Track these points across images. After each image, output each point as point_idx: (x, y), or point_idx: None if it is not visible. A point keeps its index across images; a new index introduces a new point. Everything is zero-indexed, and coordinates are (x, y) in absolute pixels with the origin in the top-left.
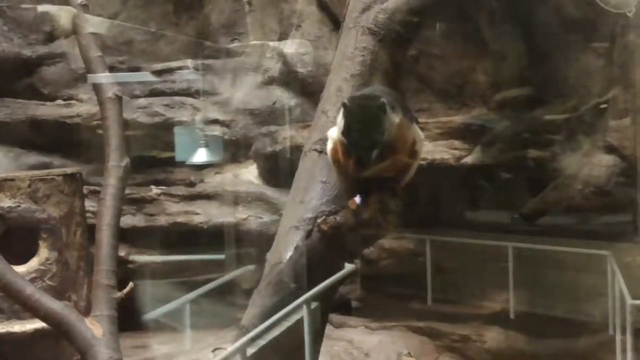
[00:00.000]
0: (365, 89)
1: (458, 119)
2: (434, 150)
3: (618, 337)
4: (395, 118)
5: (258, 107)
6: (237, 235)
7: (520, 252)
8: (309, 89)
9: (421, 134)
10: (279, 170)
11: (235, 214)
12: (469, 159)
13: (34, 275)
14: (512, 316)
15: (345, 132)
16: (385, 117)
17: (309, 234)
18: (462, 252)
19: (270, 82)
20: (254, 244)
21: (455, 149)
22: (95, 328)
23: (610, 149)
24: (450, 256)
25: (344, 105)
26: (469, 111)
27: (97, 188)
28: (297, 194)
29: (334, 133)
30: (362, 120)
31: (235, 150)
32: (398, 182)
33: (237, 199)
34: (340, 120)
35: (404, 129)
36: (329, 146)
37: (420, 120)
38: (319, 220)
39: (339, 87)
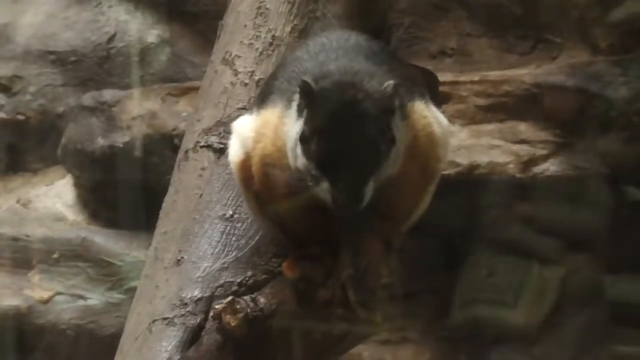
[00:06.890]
0: (329, 36)
1: (527, 74)
2: (473, 147)
3: None
4: (419, 115)
5: (74, 46)
6: (27, 338)
7: None
8: (189, 8)
9: (445, 121)
10: (124, 190)
11: (24, 291)
12: (552, 164)
13: None
14: None
15: (316, 140)
16: (395, 119)
17: (195, 336)
18: None
19: None
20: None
21: (523, 141)
22: None
23: None
24: None
25: (304, 87)
26: (550, 58)
27: None
28: (169, 245)
29: (249, 122)
30: (353, 126)
31: (22, 144)
32: (399, 222)
33: (27, 257)
34: (296, 110)
35: (432, 130)
36: (236, 153)
37: (441, 79)
38: (217, 306)
39: (260, 5)
